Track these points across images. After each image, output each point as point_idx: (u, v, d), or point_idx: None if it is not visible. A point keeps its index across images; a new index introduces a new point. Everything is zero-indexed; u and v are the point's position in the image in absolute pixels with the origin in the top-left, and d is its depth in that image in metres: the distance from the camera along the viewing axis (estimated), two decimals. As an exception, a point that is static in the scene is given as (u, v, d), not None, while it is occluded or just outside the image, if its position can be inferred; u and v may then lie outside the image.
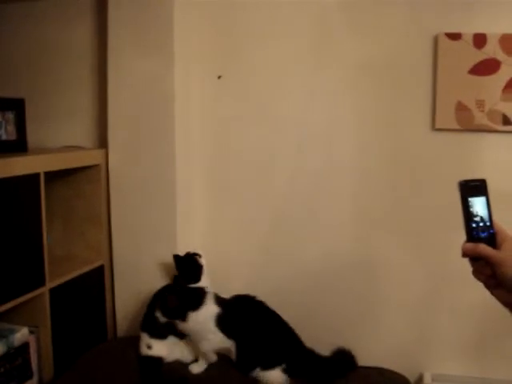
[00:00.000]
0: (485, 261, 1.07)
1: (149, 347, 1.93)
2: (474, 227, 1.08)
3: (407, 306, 2.18)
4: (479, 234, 1.08)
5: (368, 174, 2.16)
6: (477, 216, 1.08)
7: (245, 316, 1.95)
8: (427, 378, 2.11)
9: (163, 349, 1.94)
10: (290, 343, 1.97)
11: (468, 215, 1.08)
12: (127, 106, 2.11)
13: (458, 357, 2.16)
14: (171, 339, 1.95)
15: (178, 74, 2.08)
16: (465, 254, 1.09)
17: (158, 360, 1.92)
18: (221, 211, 2.29)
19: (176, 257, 2.04)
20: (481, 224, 1.08)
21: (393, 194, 2.15)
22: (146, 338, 1.94)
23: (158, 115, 2.09)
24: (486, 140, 2.03)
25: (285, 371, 1.89)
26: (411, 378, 2.07)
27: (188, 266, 2.05)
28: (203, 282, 2.07)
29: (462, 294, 2.10)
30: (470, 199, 1.08)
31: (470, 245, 1.08)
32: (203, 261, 2.08)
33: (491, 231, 1.08)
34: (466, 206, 1.08)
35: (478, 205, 1.09)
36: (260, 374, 1.89)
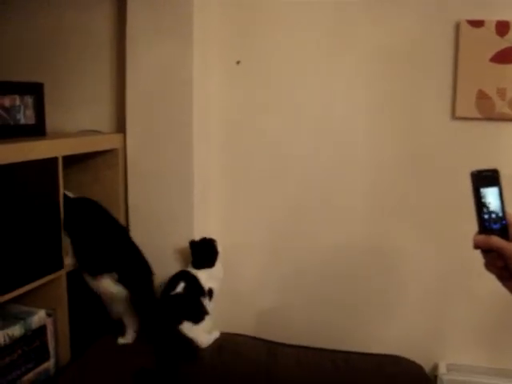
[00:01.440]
0: (497, 253, 1.05)
1: None
2: (486, 218, 1.06)
3: (422, 296, 2.17)
4: (491, 225, 1.06)
5: (385, 163, 2.14)
6: (489, 207, 1.07)
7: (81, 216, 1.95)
8: (442, 368, 2.11)
9: None
10: (124, 252, 1.98)
11: (480, 206, 1.07)
12: (145, 90, 2.11)
13: (474, 347, 2.15)
14: (186, 324, 1.95)
15: (197, 59, 2.07)
16: (477, 246, 1.07)
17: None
18: (237, 198, 2.29)
19: (192, 242, 2.05)
20: (493, 215, 1.06)
21: (409, 183, 2.13)
22: None
23: (177, 100, 2.09)
24: (507, 129, 2.01)
25: (117, 281, 1.91)
26: (426, 367, 2.06)
27: (204, 251, 2.06)
28: (217, 269, 2.08)
29: (477, 283, 2.08)
30: (482, 190, 1.07)
31: (482, 237, 1.06)
32: (219, 247, 2.09)
33: (504, 222, 1.06)
34: (478, 197, 1.07)
35: (491, 195, 1.07)
36: (87, 279, 1.93)
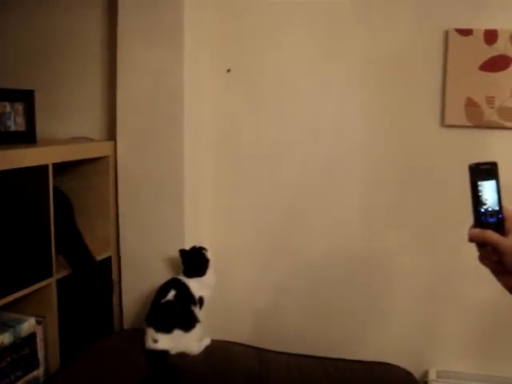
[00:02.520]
0: (492, 247, 1.05)
1: (155, 341, 1.92)
2: (482, 212, 1.06)
3: (414, 302, 2.18)
4: (487, 219, 1.05)
5: (377, 169, 2.15)
6: (486, 200, 1.06)
7: None
8: (432, 375, 2.12)
9: (169, 342, 1.93)
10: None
11: (477, 199, 1.06)
12: (136, 97, 2.11)
13: (464, 354, 2.16)
14: (176, 332, 1.95)
15: (188, 66, 2.07)
16: (471, 240, 1.07)
17: (164, 353, 1.92)
18: (229, 204, 2.29)
19: (182, 251, 2.05)
20: (489, 209, 1.06)
21: (401, 189, 2.14)
22: (151, 332, 1.94)
23: (167, 107, 2.09)
24: (496, 137, 2.02)
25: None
26: (416, 374, 2.06)
27: (194, 260, 2.06)
28: (208, 276, 2.08)
29: (469, 291, 2.10)
30: (479, 183, 1.06)
31: (478, 230, 1.05)
32: (209, 255, 2.09)
33: (500, 216, 1.06)
34: (475, 190, 1.06)
35: (488, 189, 1.06)
36: None
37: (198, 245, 2.10)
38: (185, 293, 2.01)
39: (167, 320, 1.95)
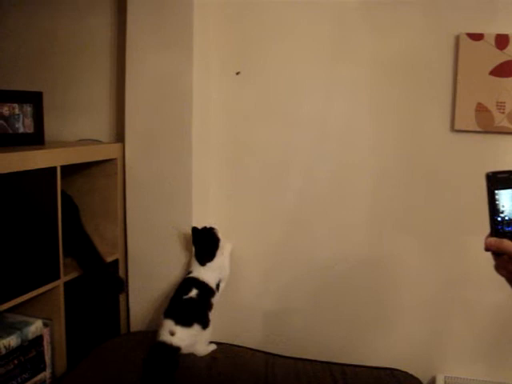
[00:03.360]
0: (508, 256, 1.04)
1: (172, 333, 1.91)
2: (499, 221, 1.05)
3: (421, 308, 2.17)
4: (504, 228, 1.05)
5: (385, 174, 2.14)
6: (503, 209, 1.05)
7: None
8: (440, 381, 2.10)
9: (186, 337, 1.93)
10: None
11: (494, 208, 1.06)
12: (145, 100, 2.11)
13: (472, 360, 2.14)
14: (196, 327, 1.96)
15: (197, 68, 2.07)
16: (488, 249, 1.06)
17: (177, 349, 1.90)
18: (237, 207, 2.28)
19: (194, 229, 2.07)
20: (506, 218, 1.05)
21: (409, 195, 2.13)
22: (170, 324, 1.92)
23: (176, 110, 2.09)
24: (506, 142, 2.00)
25: None
26: (424, 380, 2.06)
27: (205, 239, 2.09)
28: (219, 259, 2.10)
29: (477, 296, 2.08)
30: (496, 191, 1.06)
31: (494, 240, 1.05)
32: (220, 235, 2.11)
33: None
34: (491, 199, 1.06)
35: (505, 198, 1.06)
36: None
37: (208, 225, 2.11)
38: (206, 291, 2.03)
39: (189, 315, 1.96)
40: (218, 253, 2.10)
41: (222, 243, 2.11)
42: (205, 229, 2.10)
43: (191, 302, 1.99)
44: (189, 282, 2.03)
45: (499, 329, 2.10)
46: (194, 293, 1.99)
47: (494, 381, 2.08)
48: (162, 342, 1.90)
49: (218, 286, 2.09)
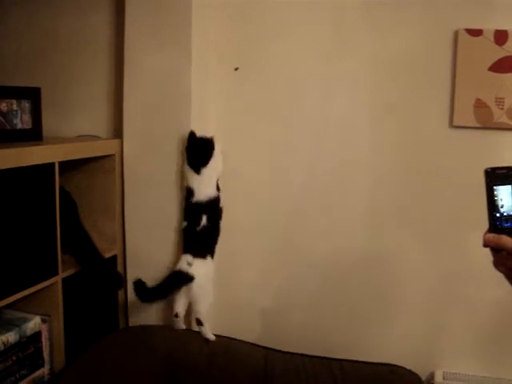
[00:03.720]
0: (507, 252, 1.04)
1: (189, 264, 2.00)
2: (497, 217, 1.05)
3: (420, 304, 2.17)
4: (503, 224, 1.05)
5: (384, 170, 2.14)
6: (501, 205, 1.06)
7: None
8: (438, 376, 2.10)
9: (201, 268, 2.02)
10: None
11: (492, 204, 1.06)
12: (143, 96, 2.10)
13: (471, 356, 2.14)
14: (208, 259, 2.06)
15: (195, 65, 2.06)
16: (486, 245, 1.06)
17: (192, 278, 2.00)
18: (234, 204, 2.27)
19: (192, 135, 2.06)
20: (505, 214, 1.06)
21: (408, 190, 2.13)
22: (188, 257, 2.02)
23: (175, 107, 2.08)
24: (505, 138, 2.00)
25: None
26: (422, 375, 2.05)
27: (202, 148, 2.07)
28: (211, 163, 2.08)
29: (476, 292, 2.09)
30: (495, 187, 1.06)
31: (493, 236, 1.05)
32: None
33: None
34: (490, 195, 1.06)
35: (504, 194, 1.06)
36: None
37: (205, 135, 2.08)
38: (212, 206, 2.09)
39: (205, 245, 2.07)
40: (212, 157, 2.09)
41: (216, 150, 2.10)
42: (202, 138, 2.06)
43: (205, 231, 2.06)
44: (196, 208, 2.06)
45: (498, 325, 2.10)
46: (204, 220, 2.05)
47: (492, 376, 2.09)
48: (178, 270, 2.01)
49: (217, 186, 2.11)
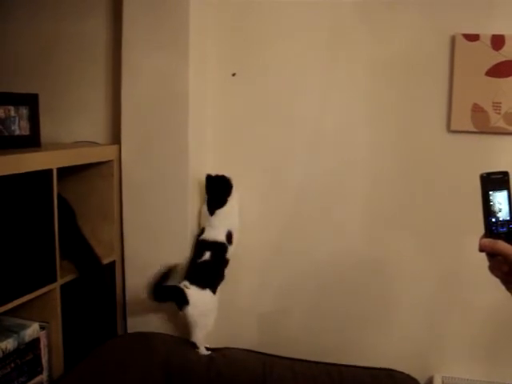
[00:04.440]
0: (503, 257, 1.04)
1: (186, 287, 2.02)
2: (493, 222, 1.06)
3: (419, 308, 2.17)
4: (498, 229, 1.06)
5: (381, 174, 2.14)
6: (497, 210, 1.06)
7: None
8: (437, 381, 2.10)
9: (196, 296, 2.02)
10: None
11: (488, 209, 1.06)
12: (141, 101, 2.11)
13: (469, 360, 2.14)
14: (207, 292, 2.06)
15: (193, 70, 2.07)
16: (482, 250, 1.06)
17: (185, 298, 2.00)
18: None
19: (208, 177, 2.11)
20: (501, 219, 1.06)
21: (406, 194, 2.14)
22: (185, 282, 2.05)
23: (172, 112, 2.08)
24: (502, 143, 2.01)
25: None
26: (421, 380, 2.05)
27: (218, 186, 2.12)
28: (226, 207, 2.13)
29: (475, 296, 2.09)
30: (490, 193, 1.06)
31: (489, 240, 1.05)
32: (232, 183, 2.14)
33: (511, 226, 1.06)
34: (486, 200, 1.06)
35: (499, 199, 1.06)
36: None
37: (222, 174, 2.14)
38: (218, 249, 2.11)
39: (204, 277, 2.07)
40: (229, 200, 2.13)
41: (233, 191, 2.15)
42: (218, 176, 2.12)
43: (206, 265, 2.08)
44: (201, 245, 2.11)
45: (497, 329, 2.10)
46: (207, 255, 2.08)
47: (491, 381, 2.09)
48: (177, 286, 2.03)
49: (229, 237, 2.14)
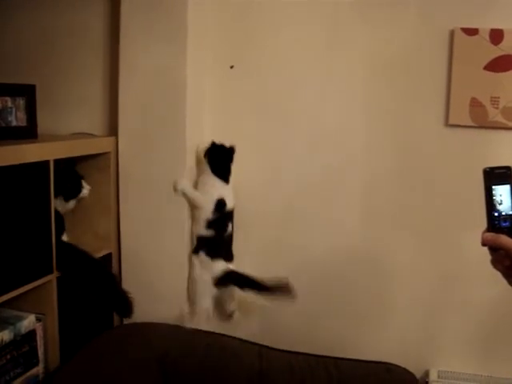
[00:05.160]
0: (505, 252, 1.05)
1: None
2: (496, 216, 1.07)
3: (415, 303, 2.18)
4: (501, 223, 1.07)
5: (380, 169, 2.14)
6: (500, 205, 1.07)
7: None
8: (433, 375, 2.11)
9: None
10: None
11: (491, 203, 1.07)
12: (138, 93, 2.10)
13: (465, 354, 2.15)
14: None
15: (191, 62, 2.06)
16: (484, 244, 1.07)
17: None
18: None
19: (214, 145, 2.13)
20: (503, 213, 1.07)
21: (404, 189, 2.14)
22: (222, 263, 2.14)
23: (170, 104, 2.08)
24: (500, 137, 2.01)
25: None
26: (417, 374, 2.06)
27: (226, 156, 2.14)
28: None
29: (471, 291, 2.10)
30: (494, 187, 1.07)
31: (491, 235, 1.06)
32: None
33: None
34: (489, 194, 1.07)
35: (502, 193, 1.07)
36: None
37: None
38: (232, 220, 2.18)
39: (230, 251, 2.18)
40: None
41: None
42: (224, 147, 2.13)
43: (230, 237, 2.18)
44: (225, 217, 2.14)
45: (493, 324, 2.11)
46: (229, 227, 2.16)
47: (487, 375, 2.09)
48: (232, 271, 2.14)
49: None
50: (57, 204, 1.93)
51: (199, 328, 2.09)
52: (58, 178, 1.87)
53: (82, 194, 2.04)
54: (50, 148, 1.86)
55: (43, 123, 2.03)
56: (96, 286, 1.98)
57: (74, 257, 1.95)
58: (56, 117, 2.25)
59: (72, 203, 2.02)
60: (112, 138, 2.16)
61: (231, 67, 2.20)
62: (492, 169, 1.07)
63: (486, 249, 1.10)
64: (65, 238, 2.01)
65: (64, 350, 1.95)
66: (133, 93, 2.10)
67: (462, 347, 2.16)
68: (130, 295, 1.98)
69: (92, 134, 2.25)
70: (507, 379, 2.05)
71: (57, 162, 1.85)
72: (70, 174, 2.03)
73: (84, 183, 2.06)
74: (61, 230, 1.97)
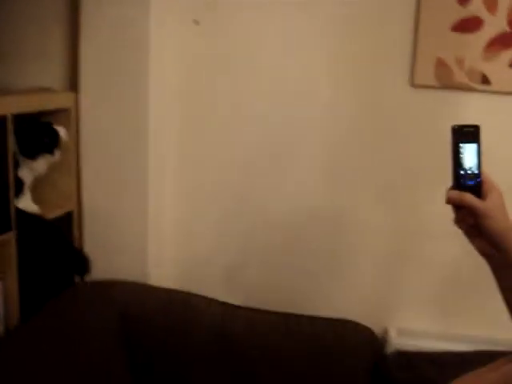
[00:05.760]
0: (468, 210, 1.06)
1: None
2: (461, 174, 1.07)
3: (376, 260, 2.21)
4: (466, 181, 1.07)
5: (342, 127, 2.13)
6: (466, 163, 1.07)
7: None
8: (392, 332, 2.15)
9: None
10: None
11: (457, 161, 1.07)
12: (100, 49, 2.03)
13: (425, 312, 2.20)
14: None
15: (154, 18, 2.00)
16: (449, 201, 1.08)
17: None
18: (193, 161, 2.25)
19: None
20: (469, 172, 1.07)
21: (366, 148, 2.14)
22: None
23: (132, 60, 2.02)
24: (465, 99, 2.01)
25: None
26: (377, 331, 2.09)
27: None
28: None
29: (431, 249, 2.13)
30: (461, 145, 1.07)
31: (456, 193, 1.07)
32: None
33: (478, 180, 1.07)
34: (456, 152, 1.07)
35: (469, 151, 1.07)
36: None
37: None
38: None
39: None
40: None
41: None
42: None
43: None
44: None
45: (453, 281, 2.15)
46: None
47: (446, 332, 2.14)
48: None
49: None
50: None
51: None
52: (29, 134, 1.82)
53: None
54: (7, 102, 1.78)
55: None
56: (49, 246, 1.96)
57: (25, 219, 1.90)
58: (11, 70, 2.17)
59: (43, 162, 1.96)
60: (73, 94, 2.10)
61: (196, 22, 2.14)
62: (460, 127, 1.08)
63: (449, 207, 1.12)
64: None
65: (24, 308, 1.92)
66: (94, 48, 2.03)
67: (423, 304, 2.20)
68: (85, 253, 1.96)
69: (52, 89, 2.18)
70: (467, 335, 2.10)
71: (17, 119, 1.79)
72: (46, 127, 1.95)
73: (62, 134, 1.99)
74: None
